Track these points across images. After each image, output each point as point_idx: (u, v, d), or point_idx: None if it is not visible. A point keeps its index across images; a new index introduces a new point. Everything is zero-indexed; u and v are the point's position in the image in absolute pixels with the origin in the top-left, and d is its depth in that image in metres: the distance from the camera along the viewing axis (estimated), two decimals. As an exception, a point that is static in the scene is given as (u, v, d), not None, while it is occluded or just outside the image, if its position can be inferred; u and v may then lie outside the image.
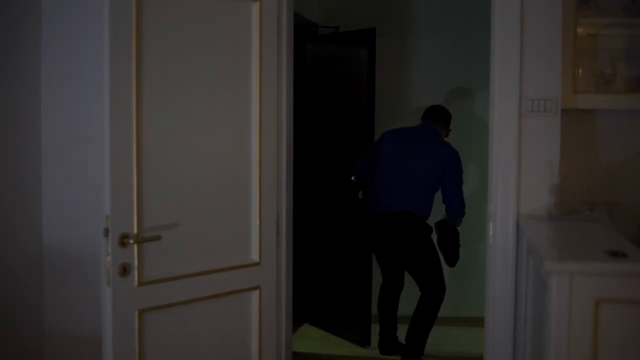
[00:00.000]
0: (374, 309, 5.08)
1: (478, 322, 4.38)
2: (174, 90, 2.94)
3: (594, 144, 3.70)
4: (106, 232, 2.75)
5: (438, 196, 4.68)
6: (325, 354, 5.05)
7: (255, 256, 3.24)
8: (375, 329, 5.05)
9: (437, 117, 4.81)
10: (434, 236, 4.74)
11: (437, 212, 4.73)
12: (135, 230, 2.81)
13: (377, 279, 5.09)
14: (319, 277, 5.59)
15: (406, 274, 4.86)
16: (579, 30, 3.53)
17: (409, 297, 4.84)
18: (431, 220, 4.71)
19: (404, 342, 4.83)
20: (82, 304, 3.30)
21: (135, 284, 2.83)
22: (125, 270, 2.79)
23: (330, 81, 5.44)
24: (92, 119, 3.12)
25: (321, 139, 5.50)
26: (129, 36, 2.76)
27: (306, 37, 5.45)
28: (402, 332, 4.88)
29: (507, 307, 3.33)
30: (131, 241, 2.80)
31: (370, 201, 4.78)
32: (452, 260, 4.73)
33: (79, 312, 3.32)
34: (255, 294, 3.25)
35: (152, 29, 2.83)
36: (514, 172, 3.28)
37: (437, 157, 4.64)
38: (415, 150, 4.67)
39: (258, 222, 3.23)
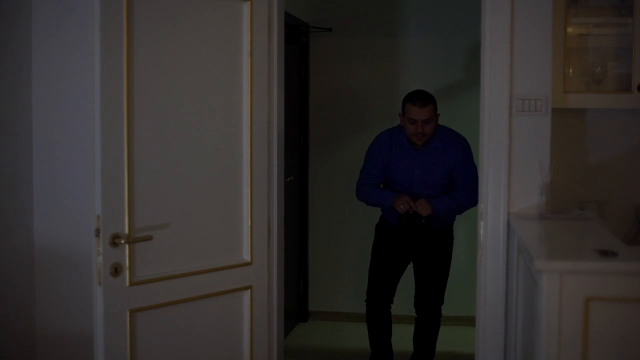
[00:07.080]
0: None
1: (469, 321, 4.39)
2: (164, 91, 2.93)
3: (585, 142, 3.71)
4: (97, 232, 2.74)
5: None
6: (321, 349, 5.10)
7: (246, 256, 3.24)
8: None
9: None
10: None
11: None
12: (126, 230, 2.81)
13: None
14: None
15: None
16: (569, 29, 3.53)
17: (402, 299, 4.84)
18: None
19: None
20: (74, 302, 3.29)
21: (127, 284, 2.83)
22: (116, 270, 2.79)
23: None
24: (84, 118, 3.11)
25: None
26: (119, 35, 2.75)
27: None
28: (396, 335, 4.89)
29: (498, 306, 3.33)
30: (122, 241, 2.79)
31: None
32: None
33: (71, 310, 3.31)
34: (246, 294, 3.25)
35: (143, 28, 2.83)
36: (505, 171, 3.29)
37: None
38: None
39: (249, 222, 3.23)
